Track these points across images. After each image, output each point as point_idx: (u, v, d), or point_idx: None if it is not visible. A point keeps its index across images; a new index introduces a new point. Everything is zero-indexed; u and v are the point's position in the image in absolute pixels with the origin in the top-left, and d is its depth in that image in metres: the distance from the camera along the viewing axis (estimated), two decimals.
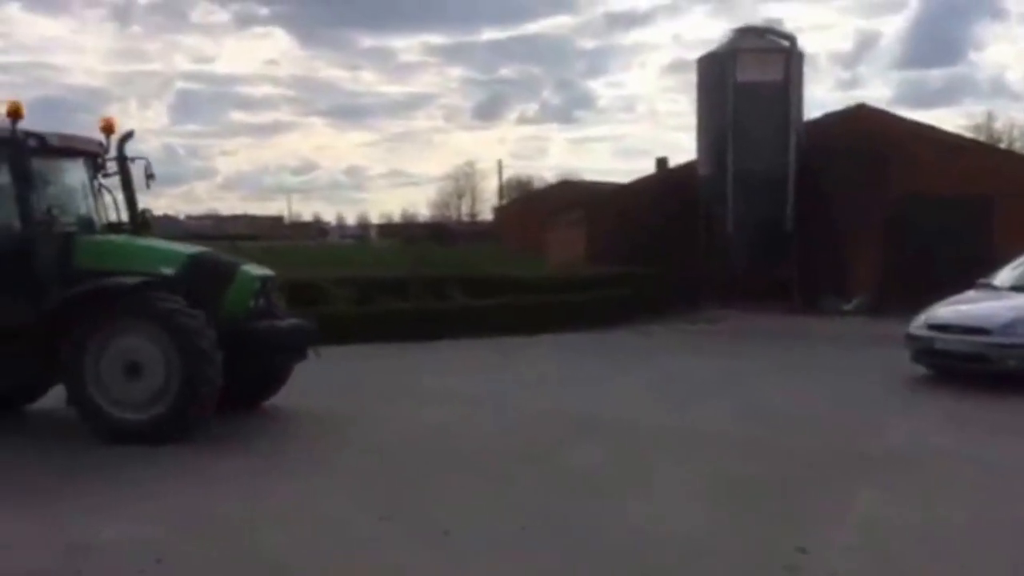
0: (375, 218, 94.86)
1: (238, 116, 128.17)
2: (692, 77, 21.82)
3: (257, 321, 8.82)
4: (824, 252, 20.54)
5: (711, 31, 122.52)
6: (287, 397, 9.73)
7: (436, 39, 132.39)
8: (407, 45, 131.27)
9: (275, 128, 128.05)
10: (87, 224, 9.34)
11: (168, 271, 8.56)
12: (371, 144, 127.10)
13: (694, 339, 16.70)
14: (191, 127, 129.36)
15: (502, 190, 70.90)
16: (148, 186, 9.80)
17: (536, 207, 43.10)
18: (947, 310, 11.79)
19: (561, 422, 9.25)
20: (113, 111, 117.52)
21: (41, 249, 8.50)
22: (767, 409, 9.85)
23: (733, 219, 20.37)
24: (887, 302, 19.50)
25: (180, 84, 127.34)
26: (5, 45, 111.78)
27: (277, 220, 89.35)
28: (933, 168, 20.02)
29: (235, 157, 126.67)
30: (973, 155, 21.83)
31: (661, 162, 28.27)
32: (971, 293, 12.32)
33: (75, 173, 9.50)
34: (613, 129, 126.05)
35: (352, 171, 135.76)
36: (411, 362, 13.74)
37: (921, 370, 11.80)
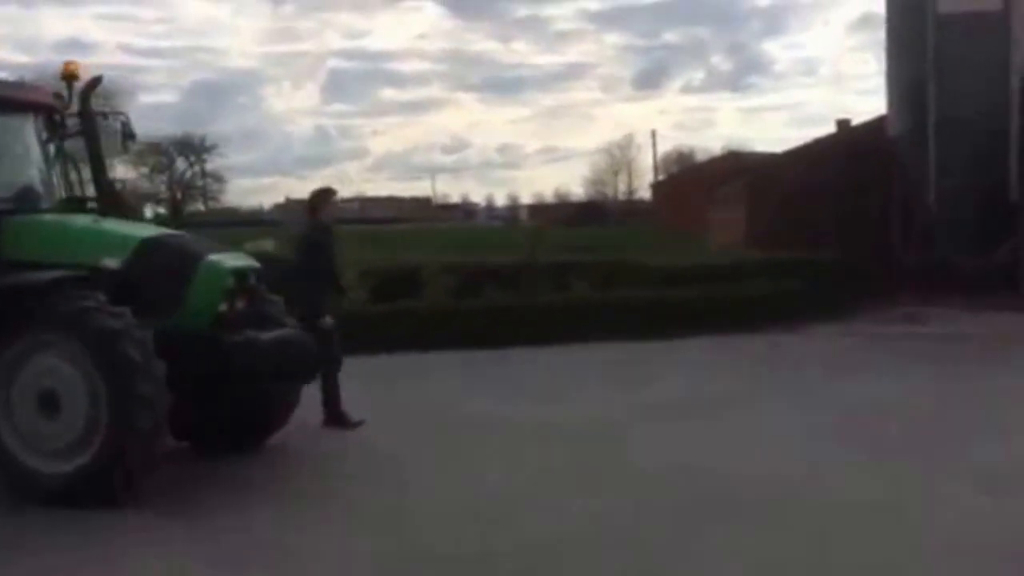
0: (526, 198, 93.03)
1: (389, 94, 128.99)
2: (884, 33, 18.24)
3: (230, 331, 6.66)
4: None
5: None
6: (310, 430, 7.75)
7: (593, 4, 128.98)
8: (562, 13, 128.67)
9: (426, 105, 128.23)
10: (31, 199, 7.28)
11: (111, 262, 6.66)
12: (525, 120, 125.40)
13: (890, 347, 13.32)
14: (342, 107, 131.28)
15: (657, 164, 67.33)
16: (125, 149, 8.04)
17: (698, 182, 39.74)
18: None
19: (689, 489, 6.45)
20: (267, 92, 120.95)
21: None
22: None
23: (937, 187, 16.79)
24: None
25: (332, 63, 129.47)
26: (168, 30, 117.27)
27: (424, 202, 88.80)
28: None
29: (385, 137, 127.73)
30: None
31: (843, 125, 24.74)
32: None
33: (19, 132, 7.44)
34: (790, 96, 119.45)
35: (505, 148, 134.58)
36: (505, 376, 11.20)
37: None
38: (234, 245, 22.25)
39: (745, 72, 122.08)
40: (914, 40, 16.92)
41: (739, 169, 23.23)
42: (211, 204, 61.99)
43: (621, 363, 11.89)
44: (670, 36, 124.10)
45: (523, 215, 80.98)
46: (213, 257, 6.81)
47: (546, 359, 12.34)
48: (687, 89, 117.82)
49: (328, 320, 8.22)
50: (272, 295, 7.45)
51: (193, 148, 58.80)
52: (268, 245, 22.24)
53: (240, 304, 6.88)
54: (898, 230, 17.59)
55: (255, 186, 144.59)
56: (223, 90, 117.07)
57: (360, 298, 15.20)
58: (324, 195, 8.72)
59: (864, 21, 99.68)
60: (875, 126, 18.54)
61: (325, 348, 8.08)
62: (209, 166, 60.51)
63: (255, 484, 6.75)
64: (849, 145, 18.91)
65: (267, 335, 6.79)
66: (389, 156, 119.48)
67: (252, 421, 7.37)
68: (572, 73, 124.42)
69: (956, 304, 15.83)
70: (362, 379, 10.97)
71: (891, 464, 6.97)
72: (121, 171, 48.18)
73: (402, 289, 15.20)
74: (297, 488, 6.77)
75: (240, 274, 6.92)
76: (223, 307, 6.72)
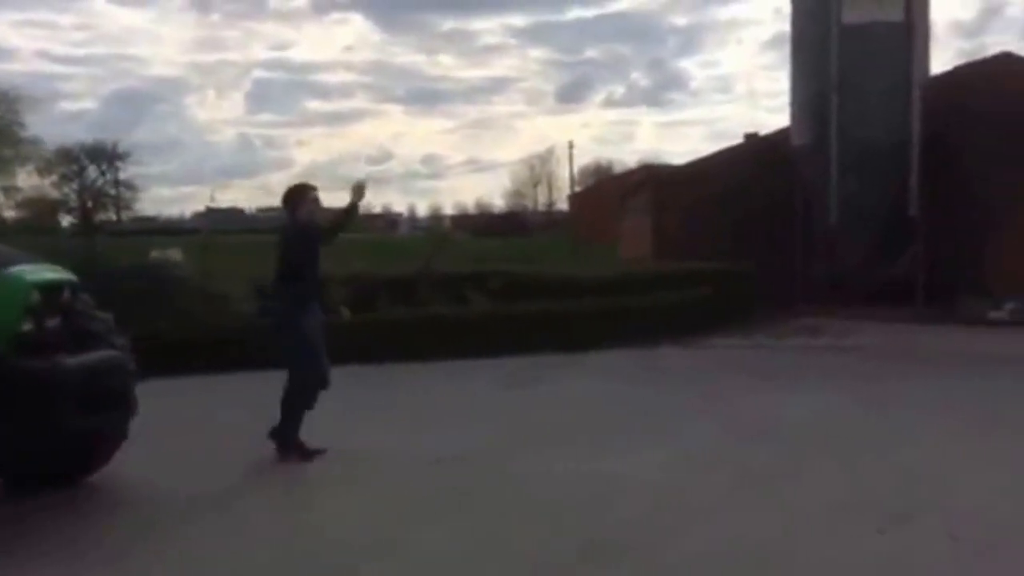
0: (449, 208, 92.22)
1: (314, 105, 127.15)
2: None
3: (33, 355, 5.70)
4: (959, 242, 16.43)
5: None
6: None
7: (518, 20, 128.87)
8: (488, 27, 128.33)
9: (351, 116, 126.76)
10: None
11: None
12: (449, 131, 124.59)
13: (784, 359, 12.82)
14: (267, 117, 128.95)
15: (574, 176, 67.15)
16: None
17: (612, 194, 39.34)
18: None
19: (568, 529, 5.67)
20: (191, 101, 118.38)
21: None
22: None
23: (839, 200, 16.39)
24: None
25: (257, 73, 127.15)
26: (89, 38, 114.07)
27: None
28: None
29: (311, 147, 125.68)
30: None
31: (751, 138, 24.35)
32: None
33: None
34: (707, 112, 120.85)
35: (429, 160, 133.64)
36: (382, 396, 10.32)
37: None
38: (142, 254, 20.90)
39: (664, 88, 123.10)
40: (818, 50, 16.49)
41: (647, 180, 22.66)
42: (124, 213, 59.69)
43: (512, 381, 11.03)
44: (592, 52, 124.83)
45: (446, 225, 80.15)
46: (13, 269, 5.79)
47: (432, 376, 11.51)
48: (608, 103, 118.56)
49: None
50: (99, 311, 6.50)
51: (105, 155, 56.46)
52: (175, 254, 21.01)
53: (52, 323, 5.92)
54: (800, 241, 17.17)
55: (176, 195, 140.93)
56: (145, 99, 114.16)
57: (247, 312, 14.23)
58: (300, 192, 7.51)
59: (776, 40, 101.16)
60: (780, 137, 18.09)
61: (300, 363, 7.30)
62: (123, 174, 58.26)
63: (51, 531, 5.76)
64: (754, 156, 18.42)
65: (77, 360, 5.81)
66: (314, 166, 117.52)
67: (69, 456, 6.33)
68: (496, 86, 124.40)
69: (856, 315, 15.50)
70: (221, 401, 10.11)
71: (778, 495, 6.27)
72: (23, 178, 46.03)
73: None
74: (95, 539, 5.65)
75: (50, 288, 5.94)
76: (27, 326, 5.76)
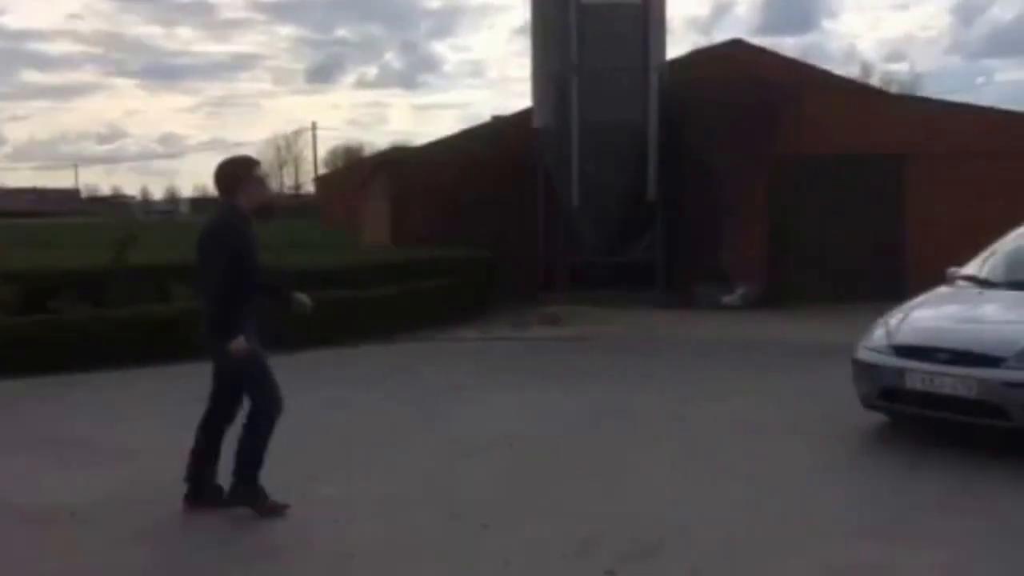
0: (189, 191, 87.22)
1: (33, 76, 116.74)
2: None
3: None
4: (695, 228, 16.27)
5: None
6: None
7: None
8: (230, 0, 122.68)
9: (77, 90, 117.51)
10: None
11: None
12: (190, 109, 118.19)
13: (524, 354, 11.94)
14: None
15: (317, 159, 65.20)
16: None
17: (358, 177, 37.84)
18: (923, 320, 7.36)
19: None
20: None
21: None
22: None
23: (579, 185, 15.77)
24: (775, 291, 15.61)
25: None
26: None
27: (71, 194, 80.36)
28: (830, 121, 15.90)
29: (28, 122, 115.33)
30: (880, 104, 18.07)
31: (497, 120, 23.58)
32: (944, 290, 8.06)
33: None
34: (460, 95, 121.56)
35: (167, 139, 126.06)
36: (30, 421, 8.36)
37: (876, 418, 7.41)
38: None
39: (417, 70, 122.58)
40: (558, 31, 15.76)
41: (385, 163, 21.32)
42: None
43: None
44: (343, 31, 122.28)
45: (185, 209, 75.69)
46: None
47: (114, 388, 9.69)
48: (360, 84, 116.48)
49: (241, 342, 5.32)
50: None
51: None
52: None
53: None
54: (542, 226, 16.47)
55: None
56: None
57: None
58: (243, 169, 5.56)
59: (526, 27, 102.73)
60: (523, 118, 17.25)
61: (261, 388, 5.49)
62: None
63: None
64: (497, 137, 17.50)
65: None
66: (32, 144, 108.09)
67: None
68: (241, 63, 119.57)
69: (598, 302, 15.03)
70: None
71: (495, 531, 5.16)
72: None
73: None
74: None
75: None
76: None
